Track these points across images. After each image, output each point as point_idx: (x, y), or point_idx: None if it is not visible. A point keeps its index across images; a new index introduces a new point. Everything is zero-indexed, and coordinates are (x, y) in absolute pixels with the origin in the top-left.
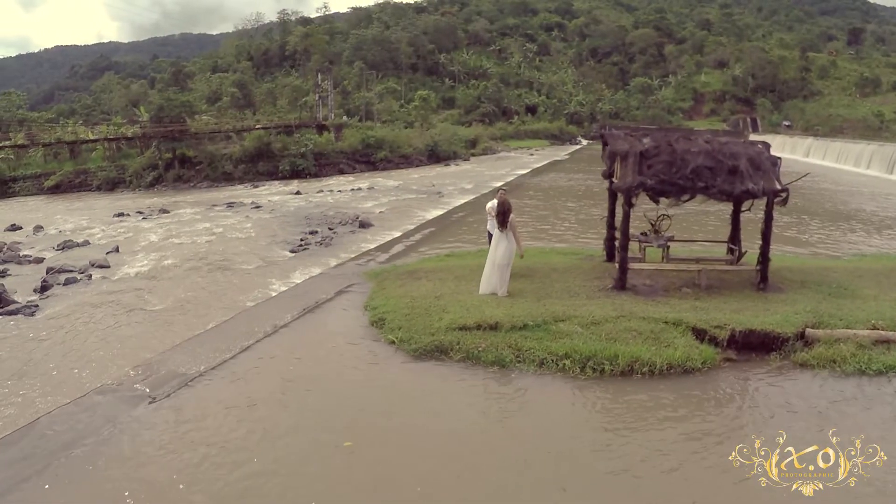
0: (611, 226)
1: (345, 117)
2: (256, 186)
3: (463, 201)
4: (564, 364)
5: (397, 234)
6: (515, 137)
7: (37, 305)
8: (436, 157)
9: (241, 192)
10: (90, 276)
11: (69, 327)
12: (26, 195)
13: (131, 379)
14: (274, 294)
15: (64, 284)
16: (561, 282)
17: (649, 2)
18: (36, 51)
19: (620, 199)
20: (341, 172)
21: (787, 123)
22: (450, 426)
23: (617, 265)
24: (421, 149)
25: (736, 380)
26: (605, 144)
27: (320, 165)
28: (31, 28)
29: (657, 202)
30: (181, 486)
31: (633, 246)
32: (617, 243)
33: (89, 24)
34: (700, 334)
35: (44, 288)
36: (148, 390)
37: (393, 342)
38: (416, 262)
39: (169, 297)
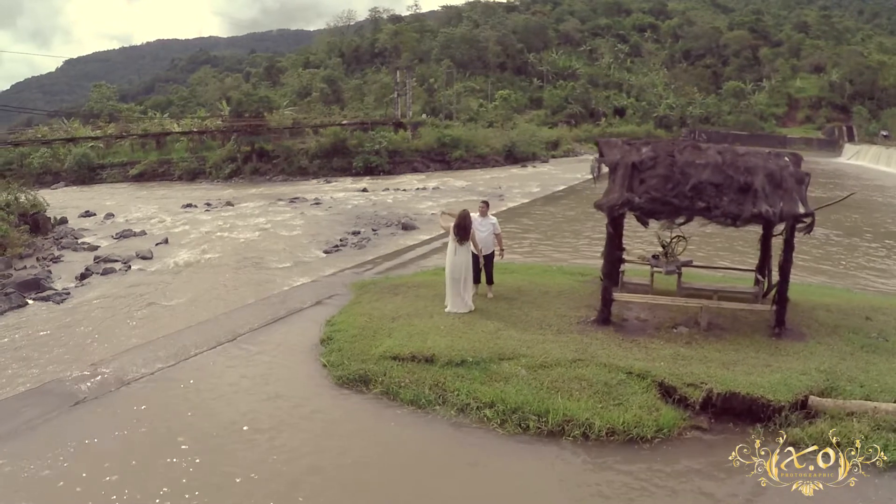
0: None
1: (424, 115)
2: (329, 182)
3: (516, 204)
4: (485, 414)
5: (427, 237)
6: None
7: (69, 293)
8: (513, 157)
9: (311, 188)
10: (129, 266)
11: (82, 317)
12: (112, 182)
13: (77, 378)
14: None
15: (102, 274)
16: (543, 308)
17: (746, 3)
18: (138, 44)
19: (629, 217)
20: (415, 171)
21: (885, 133)
22: (299, 458)
23: (614, 291)
24: (498, 149)
25: (683, 463)
26: (601, 154)
27: (394, 163)
28: (133, 22)
29: (645, 224)
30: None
31: (644, 270)
32: (623, 266)
33: (190, 19)
34: (668, 392)
35: (83, 276)
36: (86, 389)
37: (325, 365)
38: (410, 275)
39: (188, 292)
